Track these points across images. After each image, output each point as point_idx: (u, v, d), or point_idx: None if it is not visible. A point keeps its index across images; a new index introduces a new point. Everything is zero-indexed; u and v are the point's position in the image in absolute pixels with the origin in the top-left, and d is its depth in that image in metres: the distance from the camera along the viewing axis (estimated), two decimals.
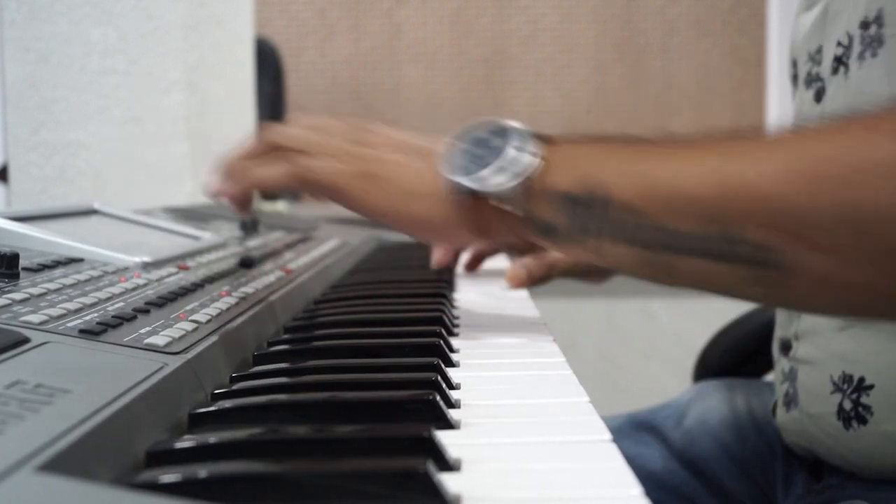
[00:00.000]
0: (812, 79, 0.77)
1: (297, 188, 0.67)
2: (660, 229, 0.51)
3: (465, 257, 1.02)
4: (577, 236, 0.55)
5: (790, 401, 0.77)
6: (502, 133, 0.58)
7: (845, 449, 0.71)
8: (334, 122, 0.67)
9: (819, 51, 0.76)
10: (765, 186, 0.47)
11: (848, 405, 0.69)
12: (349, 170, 0.63)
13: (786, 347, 0.79)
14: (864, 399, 0.68)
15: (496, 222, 0.59)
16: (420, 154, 0.63)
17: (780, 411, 0.80)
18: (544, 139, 0.58)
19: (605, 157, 0.55)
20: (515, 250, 0.93)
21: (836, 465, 0.74)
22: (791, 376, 0.77)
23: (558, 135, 0.59)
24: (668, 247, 0.51)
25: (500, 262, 1.05)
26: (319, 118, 0.68)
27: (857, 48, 0.69)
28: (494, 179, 0.57)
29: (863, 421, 0.68)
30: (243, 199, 0.69)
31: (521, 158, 0.56)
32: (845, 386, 0.69)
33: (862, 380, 0.68)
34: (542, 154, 0.56)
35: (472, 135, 0.60)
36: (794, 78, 0.85)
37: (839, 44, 0.72)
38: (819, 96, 0.75)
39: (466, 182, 0.58)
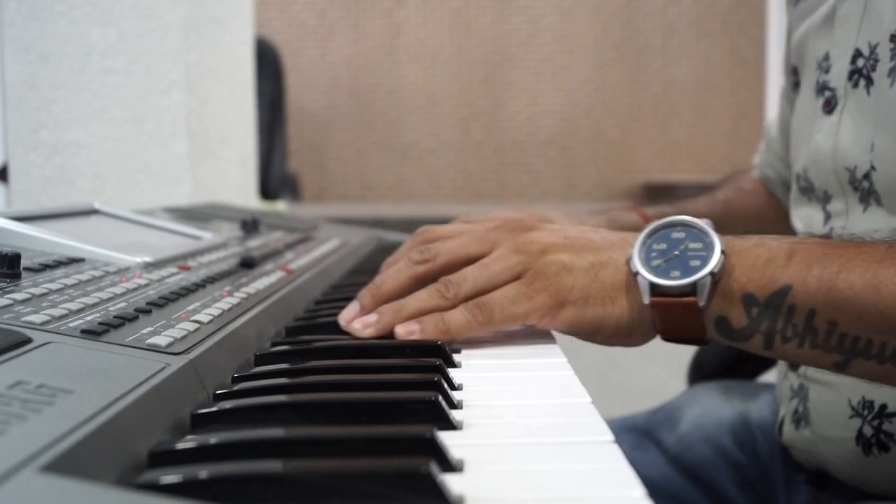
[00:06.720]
0: (821, 87, 0.74)
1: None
2: (850, 338, 0.52)
3: None
4: (759, 336, 0.54)
5: (800, 419, 0.75)
6: (684, 229, 0.57)
7: (863, 473, 0.69)
8: (483, 229, 0.63)
9: (826, 58, 0.73)
10: None
11: (869, 431, 0.67)
12: (539, 305, 0.58)
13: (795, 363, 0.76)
14: (886, 426, 0.66)
15: (680, 320, 0.57)
16: (590, 251, 0.59)
17: (788, 428, 0.77)
18: (726, 237, 0.56)
19: (788, 259, 0.54)
20: None
21: (846, 482, 0.72)
22: (801, 394, 0.75)
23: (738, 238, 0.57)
24: (856, 353, 0.52)
25: None
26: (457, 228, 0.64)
27: (886, 63, 0.66)
28: (684, 277, 0.55)
29: (884, 448, 0.66)
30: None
31: (706, 255, 0.55)
32: (866, 412, 0.67)
33: (884, 406, 0.66)
34: (725, 251, 0.55)
35: (651, 231, 0.58)
36: (796, 85, 0.82)
37: (859, 54, 0.68)
38: (830, 107, 0.72)
39: (663, 281, 0.55)
